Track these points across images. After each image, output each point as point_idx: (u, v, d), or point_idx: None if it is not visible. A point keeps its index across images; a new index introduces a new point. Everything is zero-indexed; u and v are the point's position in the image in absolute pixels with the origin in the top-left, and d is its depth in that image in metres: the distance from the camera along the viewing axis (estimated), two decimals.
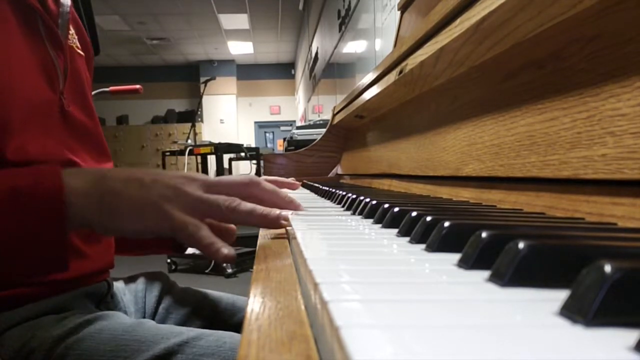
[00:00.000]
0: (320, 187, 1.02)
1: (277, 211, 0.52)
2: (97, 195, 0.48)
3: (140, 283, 0.84)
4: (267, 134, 11.17)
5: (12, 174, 0.48)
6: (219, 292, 0.85)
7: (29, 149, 0.61)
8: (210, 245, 0.46)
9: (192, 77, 10.42)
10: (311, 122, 4.06)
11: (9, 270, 0.48)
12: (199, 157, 4.19)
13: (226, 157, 4.30)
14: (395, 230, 0.43)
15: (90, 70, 0.84)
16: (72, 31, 0.75)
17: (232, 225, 0.59)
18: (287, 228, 0.51)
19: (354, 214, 0.59)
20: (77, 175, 0.49)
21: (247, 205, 0.50)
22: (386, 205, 0.50)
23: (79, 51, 0.78)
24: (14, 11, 0.63)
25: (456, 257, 0.30)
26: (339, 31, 4.82)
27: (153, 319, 0.79)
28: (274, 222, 0.52)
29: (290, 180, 0.74)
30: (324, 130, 1.70)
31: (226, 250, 0.46)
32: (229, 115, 10.52)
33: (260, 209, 0.51)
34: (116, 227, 0.49)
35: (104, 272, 0.75)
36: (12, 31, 0.62)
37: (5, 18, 0.61)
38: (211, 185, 0.51)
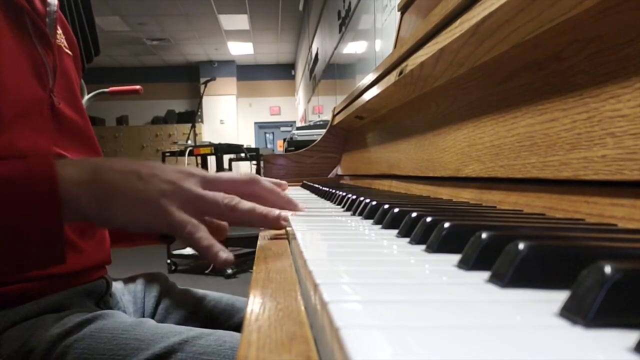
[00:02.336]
0: (320, 187, 1.02)
1: (277, 211, 0.51)
2: (92, 184, 0.47)
3: (140, 284, 0.84)
4: (267, 135, 11.18)
5: (2, 164, 0.46)
6: (218, 292, 0.85)
7: (18, 145, 0.61)
8: (209, 248, 0.46)
9: (192, 78, 10.42)
10: (311, 123, 4.07)
11: (5, 262, 0.47)
12: (199, 158, 4.19)
13: (226, 157, 4.30)
14: (395, 231, 0.43)
15: (78, 70, 0.84)
16: (59, 31, 0.76)
17: (225, 223, 0.58)
18: (287, 229, 0.51)
19: (354, 214, 0.59)
20: (70, 164, 0.48)
21: (247, 204, 0.50)
22: (386, 206, 0.50)
23: (67, 50, 0.78)
24: (2, 10, 0.63)
25: (456, 258, 0.30)
26: (339, 32, 4.83)
27: (152, 319, 0.79)
28: (274, 222, 0.51)
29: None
30: (324, 131, 1.70)
31: (225, 254, 0.46)
32: (229, 116, 10.52)
33: (260, 208, 0.50)
34: (112, 219, 0.48)
35: (100, 267, 0.75)
36: (1, 29, 0.62)
37: None
38: (210, 182, 0.51)
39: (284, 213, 0.52)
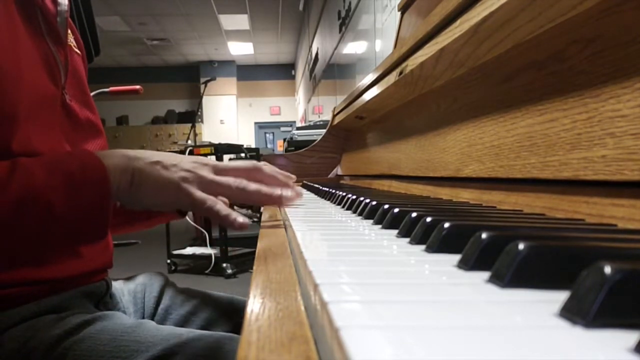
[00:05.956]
0: (321, 187, 1.02)
1: (279, 191, 0.60)
2: (127, 172, 0.55)
3: (140, 283, 0.84)
4: (267, 135, 11.17)
5: (58, 160, 0.54)
6: (218, 292, 0.85)
7: (33, 141, 0.61)
8: (228, 216, 0.55)
9: (192, 78, 10.41)
10: (311, 123, 4.07)
11: (61, 243, 0.55)
12: None
13: (226, 157, 4.29)
14: (395, 231, 0.43)
15: (86, 70, 0.84)
16: (68, 31, 0.76)
17: (226, 199, 0.68)
18: (287, 228, 0.51)
19: (354, 214, 0.59)
20: (111, 156, 0.56)
21: (253, 185, 0.59)
22: (386, 206, 0.50)
23: (76, 50, 0.79)
24: (17, 7, 0.63)
25: (456, 258, 0.30)
26: (339, 32, 4.83)
27: (152, 319, 0.79)
28: (277, 200, 0.60)
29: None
30: (324, 131, 1.70)
31: (241, 219, 0.55)
32: (229, 116, 10.52)
33: (265, 188, 0.59)
34: (140, 201, 0.57)
35: (102, 271, 0.75)
36: (17, 26, 0.62)
37: (11, 13, 0.62)
38: (221, 169, 0.60)
39: (284, 192, 0.60)
